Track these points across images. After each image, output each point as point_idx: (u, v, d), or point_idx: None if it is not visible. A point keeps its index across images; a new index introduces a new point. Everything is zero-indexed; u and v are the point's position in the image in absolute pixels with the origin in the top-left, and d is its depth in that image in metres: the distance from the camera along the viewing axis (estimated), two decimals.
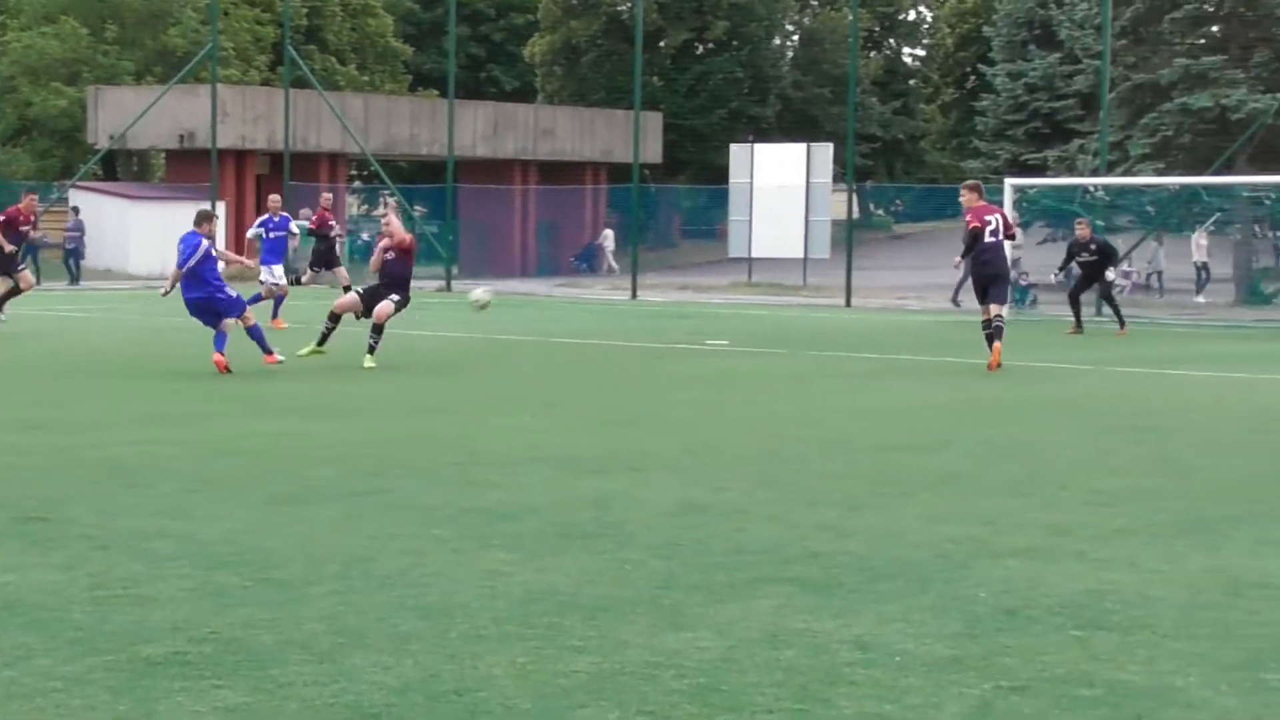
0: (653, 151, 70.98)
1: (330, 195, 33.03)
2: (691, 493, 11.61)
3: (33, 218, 31.46)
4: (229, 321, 21.21)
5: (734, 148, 54.61)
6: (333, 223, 32.23)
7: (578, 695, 6.70)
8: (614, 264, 67.60)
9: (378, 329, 21.99)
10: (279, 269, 30.80)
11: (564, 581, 8.68)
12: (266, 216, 31.81)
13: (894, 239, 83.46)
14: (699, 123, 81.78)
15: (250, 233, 32.26)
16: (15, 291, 29.85)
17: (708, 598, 8.35)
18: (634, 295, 47.43)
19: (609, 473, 12.57)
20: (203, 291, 21.08)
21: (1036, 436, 15.40)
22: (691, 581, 8.72)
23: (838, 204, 53.93)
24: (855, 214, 52.38)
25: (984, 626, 7.85)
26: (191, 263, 20.92)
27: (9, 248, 29.61)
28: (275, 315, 29.68)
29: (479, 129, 69.20)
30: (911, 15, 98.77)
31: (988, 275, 23.00)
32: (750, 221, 50.91)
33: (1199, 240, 46.52)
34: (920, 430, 15.72)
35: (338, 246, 31.64)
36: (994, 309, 22.77)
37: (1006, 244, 23.50)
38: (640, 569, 9.03)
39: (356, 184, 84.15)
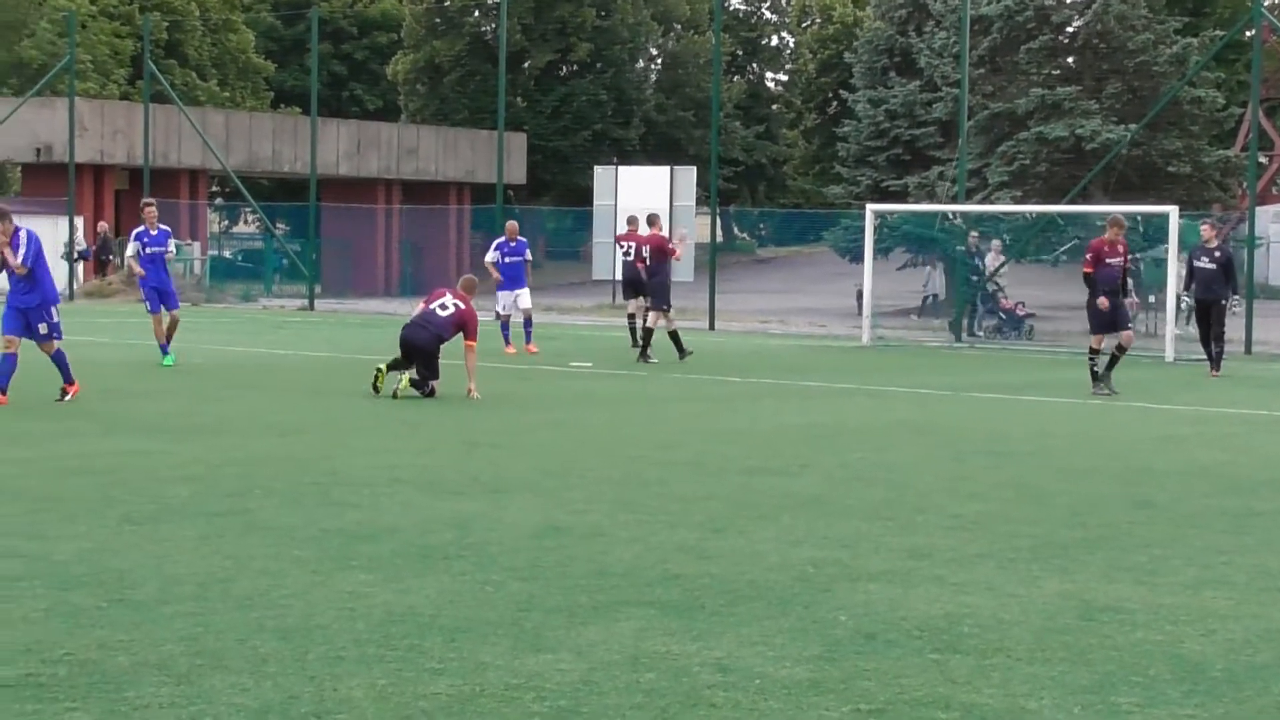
0: (517, 172, 70.91)
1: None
2: (552, 515, 11.60)
3: None
4: None
5: (598, 170, 54.62)
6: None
7: (437, 718, 6.68)
8: None
9: None
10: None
11: (424, 603, 8.65)
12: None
13: (757, 262, 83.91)
14: (563, 144, 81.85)
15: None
16: None
17: (569, 620, 8.35)
18: (497, 316, 47.29)
19: (469, 494, 12.54)
20: None
21: (896, 460, 15.51)
22: (552, 603, 8.71)
23: (701, 227, 54.02)
24: (719, 237, 52.42)
25: (843, 650, 7.90)
26: None
27: None
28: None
29: (342, 147, 68.87)
30: (774, 41, 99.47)
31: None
32: (614, 243, 50.94)
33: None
34: (781, 454, 15.79)
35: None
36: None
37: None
38: (501, 590, 9.02)
39: (218, 200, 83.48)
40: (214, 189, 79.02)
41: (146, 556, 9.75)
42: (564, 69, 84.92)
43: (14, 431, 16.20)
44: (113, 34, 75.18)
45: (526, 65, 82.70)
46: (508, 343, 30.12)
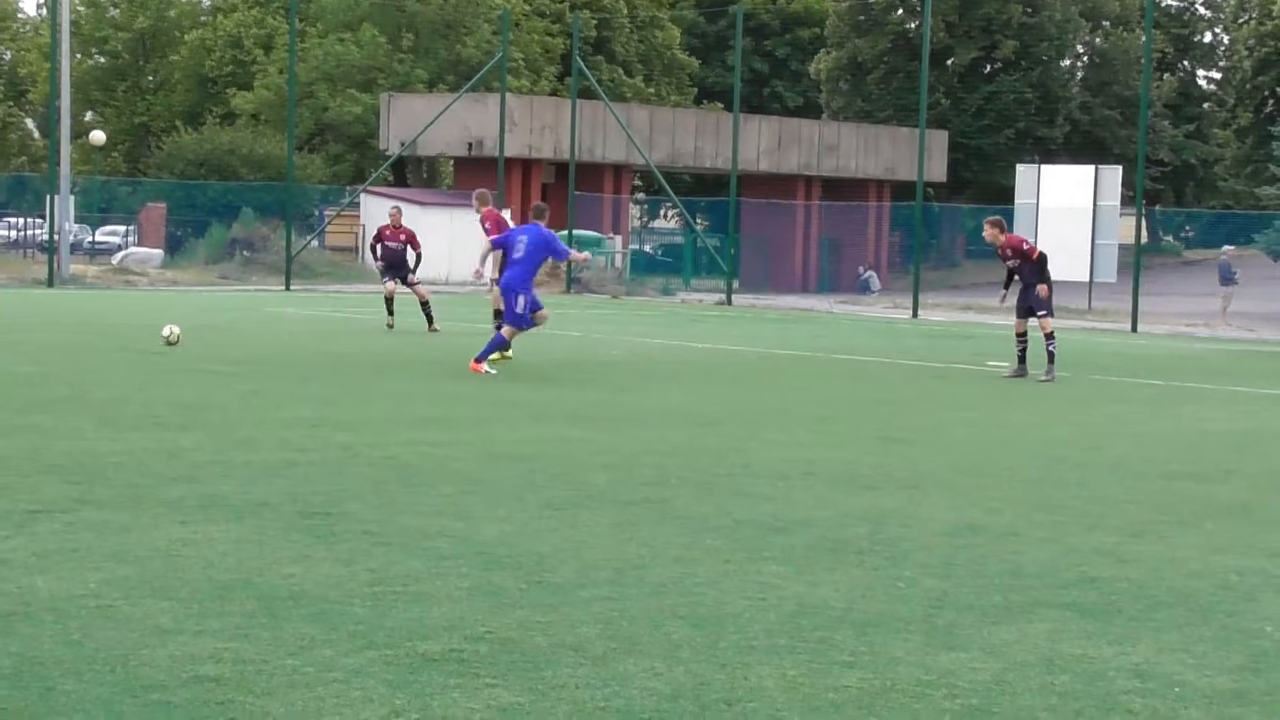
0: (937, 170, 70.52)
1: (399, 208, 32.56)
2: (967, 513, 11.51)
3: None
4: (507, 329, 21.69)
5: (1020, 168, 53.94)
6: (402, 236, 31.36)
7: (848, 710, 6.67)
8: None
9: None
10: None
11: (836, 596, 8.65)
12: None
13: (1184, 265, 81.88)
14: (985, 142, 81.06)
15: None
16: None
17: (981, 619, 8.27)
18: (915, 314, 47.13)
19: (883, 490, 12.51)
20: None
21: None
22: (965, 601, 8.64)
23: (1125, 228, 52.98)
24: (1143, 238, 51.35)
25: (1270, 661, 7.66)
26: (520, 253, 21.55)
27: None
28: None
29: (762, 143, 69.31)
30: (1208, 37, 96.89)
31: None
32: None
33: None
34: (1204, 459, 15.40)
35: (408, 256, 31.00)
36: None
37: None
38: (913, 587, 8.97)
39: (640, 195, 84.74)
40: (636, 183, 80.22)
41: (565, 541, 9.94)
42: (988, 66, 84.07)
43: (456, 416, 16.69)
44: (544, 32, 76.87)
45: (950, 62, 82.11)
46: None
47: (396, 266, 30.79)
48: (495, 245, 23.43)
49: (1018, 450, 15.72)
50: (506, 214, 29.65)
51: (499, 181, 56.91)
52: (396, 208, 32.31)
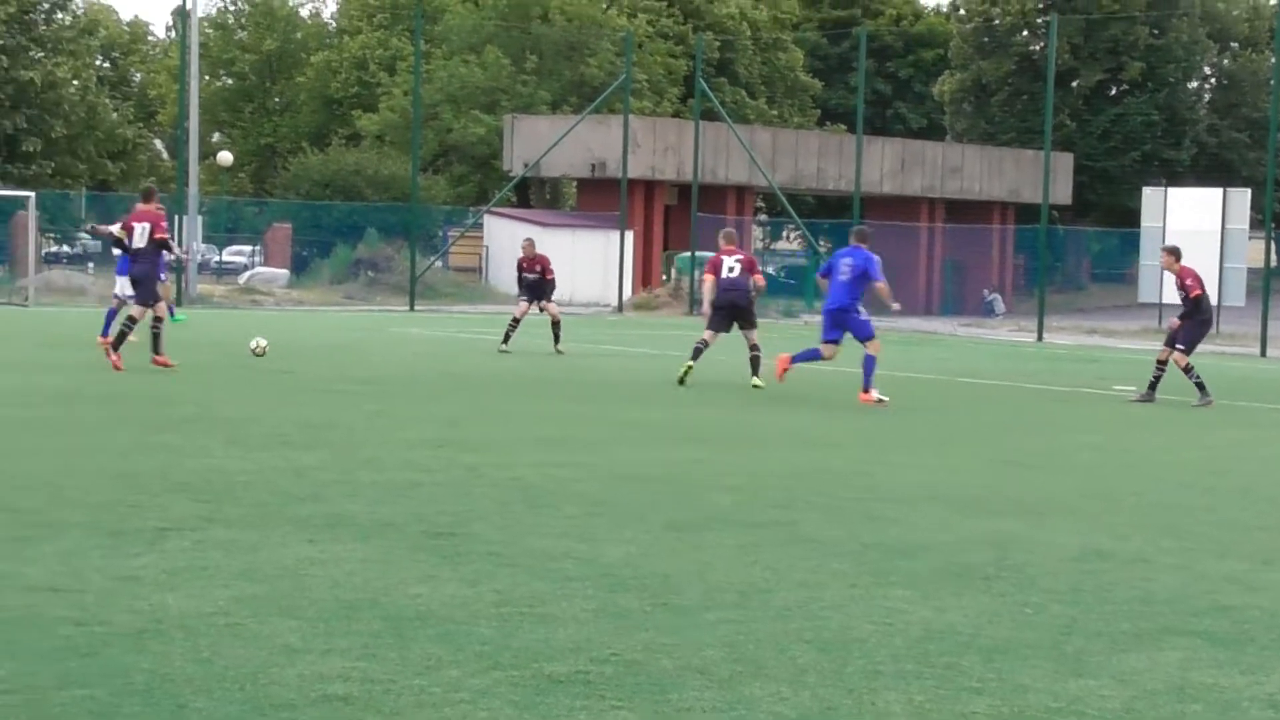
0: (1062, 193, 70.05)
1: (531, 239, 32.77)
2: (1093, 538, 11.40)
3: None
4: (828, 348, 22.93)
5: (1146, 191, 53.53)
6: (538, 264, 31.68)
7: None
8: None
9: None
10: None
11: (963, 622, 8.59)
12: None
13: None
14: (1110, 164, 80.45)
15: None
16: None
17: (1110, 646, 8.19)
18: (1039, 337, 46.80)
19: (1008, 514, 12.42)
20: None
21: None
22: (1094, 628, 8.56)
23: (1254, 251, 52.42)
24: (1272, 262, 50.78)
25: None
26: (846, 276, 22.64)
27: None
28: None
29: (886, 165, 69.12)
30: None
31: None
32: (1162, 266, 49.91)
33: None
34: None
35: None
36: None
37: None
38: (1041, 613, 8.90)
39: (761, 216, 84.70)
40: (759, 205, 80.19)
41: (690, 563, 9.94)
42: (1114, 88, 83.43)
43: (579, 437, 16.74)
44: (667, 53, 77.02)
45: (1075, 84, 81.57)
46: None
47: (535, 293, 31.27)
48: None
49: (1144, 475, 15.57)
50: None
51: (621, 203, 57.08)
52: (529, 240, 32.56)
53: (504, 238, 61.40)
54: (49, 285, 50.39)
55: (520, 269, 31.76)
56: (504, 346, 30.62)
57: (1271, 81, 50.49)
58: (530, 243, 32.07)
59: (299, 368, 24.52)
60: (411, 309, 49.89)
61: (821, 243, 67.56)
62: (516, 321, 31.14)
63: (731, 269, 24.38)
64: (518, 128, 65.18)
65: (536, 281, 31.36)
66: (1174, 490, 14.45)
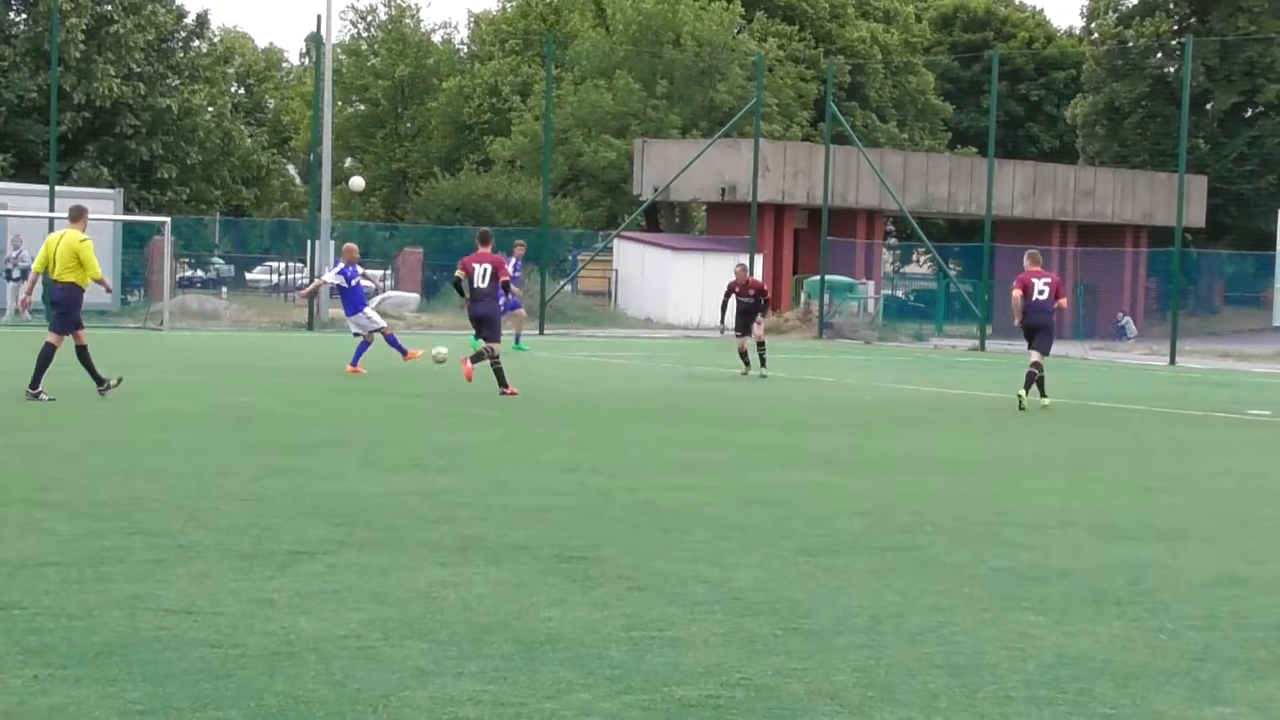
0: (1196, 215, 69.35)
1: (743, 265, 32.81)
2: (1229, 564, 11.27)
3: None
4: None
5: None
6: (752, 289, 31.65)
7: None
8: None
9: None
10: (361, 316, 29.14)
11: (1095, 647, 8.52)
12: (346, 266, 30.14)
13: None
14: (1245, 188, 79.55)
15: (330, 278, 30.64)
16: None
17: (1247, 673, 8.10)
18: (1172, 361, 46.33)
19: (1143, 540, 12.31)
20: None
21: None
22: (1230, 655, 8.46)
23: None
24: None
25: None
26: None
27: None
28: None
29: (1017, 188, 68.71)
30: None
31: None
32: None
33: None
34: None
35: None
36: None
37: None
38: (1175, 639, 8.81)
39: (892, 240, 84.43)
40: (889, 228, 79.94)
41: (820, 587, 9.92)
42: (1249, 110, 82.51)
43: (709, 461, 16.74)
44: (798, 77, 76.99)
45: (1209, 106, 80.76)
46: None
47: (750, 317, 31.30)
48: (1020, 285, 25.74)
49: None
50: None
51: (751, 226, 57.06)
52: (741, 265, 32.75)
53: (633, 261, 61.54)
54: (183, 310, 51.02)
55: (734, 293, 31.54)
56: (746, 369, 30.79)
57: None
58: (743, 268, 32.12)
59: (430, 391, 24.68)
60: (541, 332, 50.10)
61: (952, 266, 67.24)
62: (743, 354, 31.18)
63: (1041, 291, 25.71)
64: (648, 152, 65.32)
65: (752, 306, 31.27)
66: None
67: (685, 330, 55.70)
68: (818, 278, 56.51)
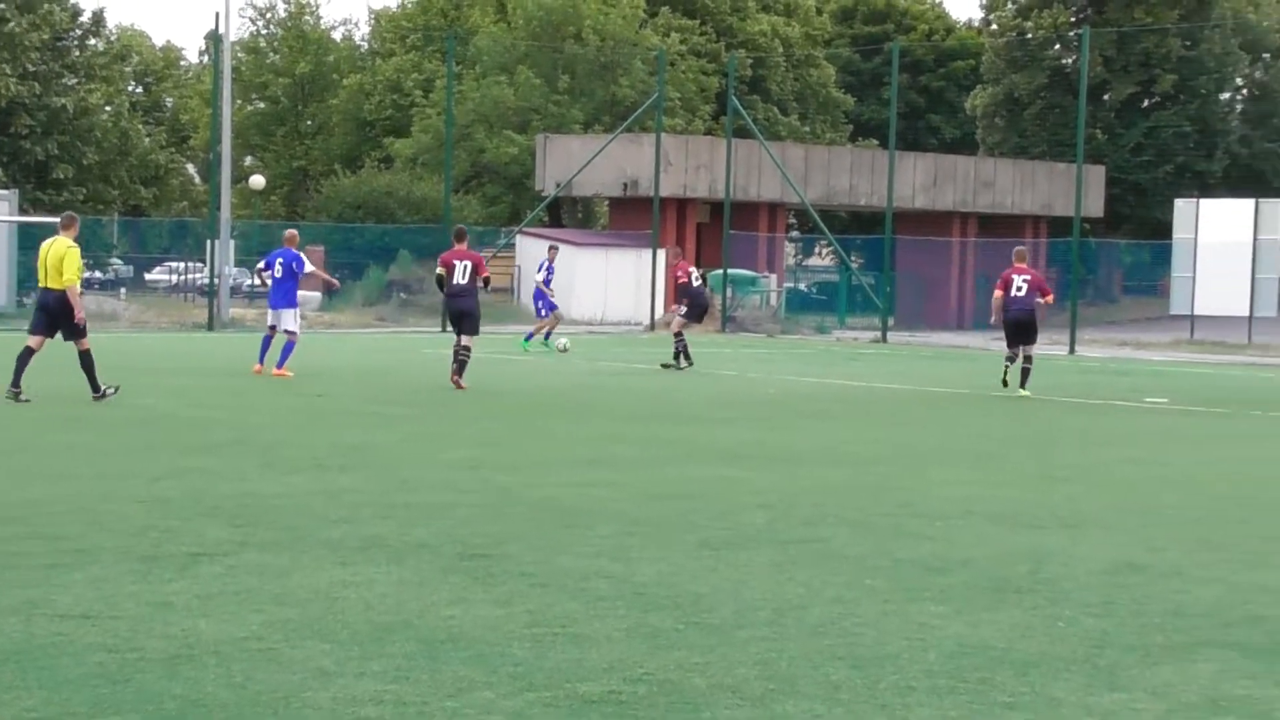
0: (1094, 206, 69.84)
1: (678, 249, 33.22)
2: (1128, 552, 11.37)
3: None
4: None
5: (1179, 203, 53.47)
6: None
7: None
8: None
9: None
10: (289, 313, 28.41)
11: (996, 636, 8.58)
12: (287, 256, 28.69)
13: None
14: (1143, 177, 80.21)
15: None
16: None
17: (1144, 659, 8.17)
18: (1072, 351, 46.67)
19: (1044, 528, 12.40)
20: None
21: None
22: (1127, 642, 8.54)
23: None
24: None
25: None
26: None
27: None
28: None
29: (918, 180, 69.03)
30: None
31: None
32: (1194, 278, 49.88)
33: None
34: None
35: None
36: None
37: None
38: (1074, 627, 8.88)
39: (794, 233, 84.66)
40: (791, 221, 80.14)
41: (723, 581, 9.94)
42: (1146, 100, 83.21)
43: (613, 456, 16.74)
44: (699, 71, 77.04)
45: (1107, 97, 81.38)
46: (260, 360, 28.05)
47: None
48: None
49: (1179, 488, 15.52)
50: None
51: (654, 221, 57.08)
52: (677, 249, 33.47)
53: (536, 258, 61.42)
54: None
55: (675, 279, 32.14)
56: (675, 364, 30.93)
57: None
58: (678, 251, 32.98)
59: (333, 390, 24.57)
60: (444, 330, 49.88)
61: (854, 258, 67.50)
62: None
63: (1020, 287, 26.39)
64: (550, 147, 65.22)
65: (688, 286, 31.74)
66: (1209, 503, 14.41)
67: (589, 325, 55.65)
68: (719, 271, 56.60)
